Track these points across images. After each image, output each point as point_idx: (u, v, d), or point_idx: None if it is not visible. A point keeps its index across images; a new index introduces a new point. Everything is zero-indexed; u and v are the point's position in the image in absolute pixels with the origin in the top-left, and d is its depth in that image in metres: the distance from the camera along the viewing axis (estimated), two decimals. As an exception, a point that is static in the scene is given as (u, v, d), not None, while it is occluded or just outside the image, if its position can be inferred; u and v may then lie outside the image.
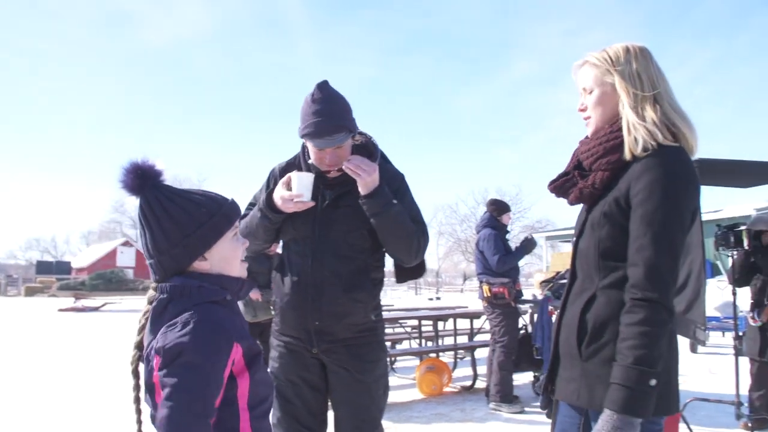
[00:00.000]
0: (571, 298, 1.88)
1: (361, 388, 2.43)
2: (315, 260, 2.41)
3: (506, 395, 5.79)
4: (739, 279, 5.19)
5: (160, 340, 1.43)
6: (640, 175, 1.69)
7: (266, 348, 3.35)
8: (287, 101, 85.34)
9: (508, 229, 6.41)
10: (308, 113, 2.34)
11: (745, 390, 5.10)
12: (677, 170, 1.68)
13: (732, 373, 4.94)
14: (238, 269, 1.64)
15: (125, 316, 20.92)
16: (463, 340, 8.55)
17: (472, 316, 7.91)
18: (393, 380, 7.19)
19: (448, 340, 8.78)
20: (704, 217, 4.78)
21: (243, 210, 2.56)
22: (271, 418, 1.94)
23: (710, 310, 8.94)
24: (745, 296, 5.40)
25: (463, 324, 8.75)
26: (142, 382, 1.53)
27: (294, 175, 2.34)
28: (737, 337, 5.02)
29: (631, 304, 1.65)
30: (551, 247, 34.63)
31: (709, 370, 8.07)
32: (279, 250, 2.81)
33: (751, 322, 5.15)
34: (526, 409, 5.72)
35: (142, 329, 1.58)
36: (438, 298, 34.87)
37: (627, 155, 1.75)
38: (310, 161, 2.48)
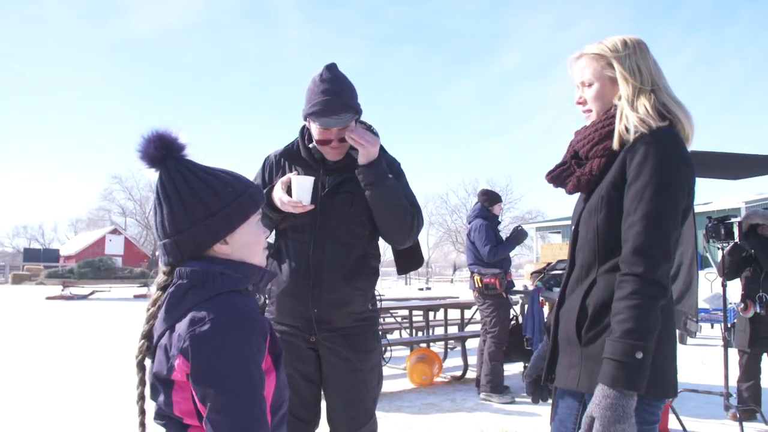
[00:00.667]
0: (571, 286, 1.87)
1: (357, 378, 2.42)
2: (316, 247, 2.39)
3: (497, 385, 5.80)
4: (729, 272, 5.23)
5: (187, 340, 1.29)
6: (632, 155, 1.71)
7: None
8: (275, 90, 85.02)
9: (500, 219, 6.41)
10: (316, 92, 2.34)
11: (734, 381, 5.14)
12: (668, 149, 1.69)
13: (721, 365, 4.97)
14: (259, 257, 1.53)
15: (114, 304, 20.85)
16: (453, 330, 8.57)
17: (463, 306, 7.92)
18: (384, 370, 7.16)
19: (439, 331, 8.80)
20: (695, 210, 4.80)
21: None
22: None
23: (699, 302, 8.99)
24: (734, 288, 5.44)
25: (454, 314, 8.77)
26: (147, 376, 1.42)
27: (294, 179, 2.32)
28: (727, 329, 5.05)
29: (619, 279, 1.67)
30: (541, 238, 34.78)
31: (701, 361, 8.12)
32: (271, 239, 2.78)
33: (740, 313, 5.18)
34: (517, 399, 5.74)
35: (152, 317, 1.43)
36: (428, 289, 34.94)
37: (615, 144, 1.77)
38: (311, 145, 2.48)
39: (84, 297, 23.86)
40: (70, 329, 12.44)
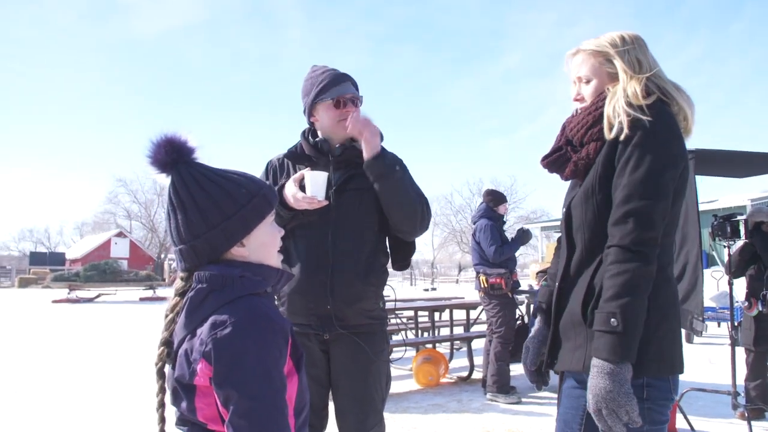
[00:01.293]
0: (574, 270, 1.85)
1: (368, 379, 2.41)
2: (328, 243, 2.39)
3: (503, 386, 5.79)
4: (736, 270, 5.21)
5: (209, 344, 1.28)
6: (622, 132, 1.72)
7: None
8: (277, 90, 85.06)
9: (505, 219, 6.40)
10: (316, 75, 2.47)
11: (741, 380, 5.11)
12: (655, 124, 1.70)
13: (728, 363, 4.95)
14: (275, 258, 1.52)
15: (120, 307, 20.89)
16: (459, 330, 8.56)
17: (469, 306, 7.90)
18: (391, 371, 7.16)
19: (445, 331, 8.78)
20: (700, 208, 4.78)
21: None
22: None
23: (706, 301, 8.95)
24: (741, 286, 5.42)
25: (460, 315, 8.76)
26: (167, 384, 1.41)
27: (307, 175, 2.30)
28: (734, 327, 5.03)
29: (604, 253, 1.70)
30: (546, 237, 34.68)
31: (708, 360, 8.09)
32: None
33: (746, 311, 5.17)
34: (523, 399, 5.73)
35: (171, 323, 1.41)
36: (434, 289, 34.95)
37: (605, 127, 1.78)
38: (317, 139, 2.50)
39: (90, 300, 23.92)
40: (77, 332, 12.46)
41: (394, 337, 8.84)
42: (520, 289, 6.35)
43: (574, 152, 1.91)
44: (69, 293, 23.87)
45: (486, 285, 5.96)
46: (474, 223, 6.32)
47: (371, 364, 2.42)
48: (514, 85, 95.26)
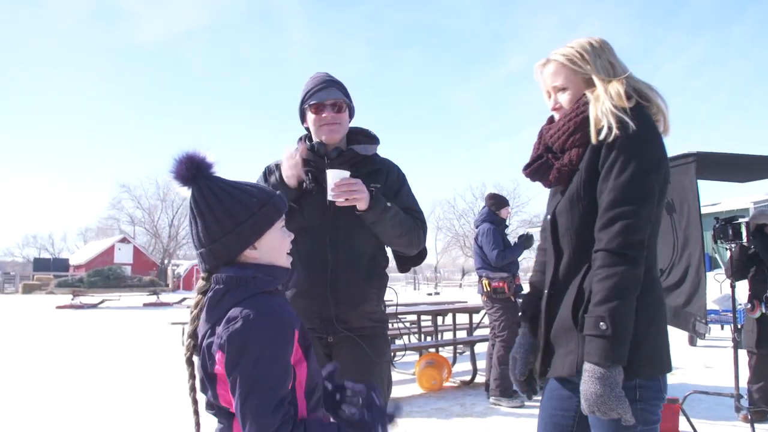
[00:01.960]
0: (563, 276, 1.87)
1: (368, 383, 2.42)
2: (330, 246, 2.43)
3: (506, 389, 5.79)
4: (736, 272, 5.20)
5: (224, 336, 1.44)
6: (611, 134, 1.73)
7: None
8: (281, 93, 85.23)
9: (507, 223, 6.41)
10: (306, 83, 2.59)
11: (744, 382, 5.11)
12: (638, 127, 1.71)
13: (731, 366, 4.95)
14: (285, 259, 1.68)
15: (123, 312, 20.93)
16: (462, 334, 8.56)
17: (471, 310, 7.91)
18: (392, 375, 7.16)
19: (448, 335, 8.79)
20: (702, 211, 4.78)
21: None
22: None
23: (708, 304, 8.93)
24: (744, 289, 5.42)
25: (463, 319, 8.76)
26: (197, 371, 1.58)
27: (329, 173, 2.34)
28: (736, 330, 5.03)
29: (592, 258, 1.73)
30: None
31: (703, 364, 8.08)
32: None
33: (748, 313, 5.17)
34: (526, 403, 5.73)
35: (195, 319, 1.60)
36: (437, 293, 34.95)
37: (592, 132, 1.79)
38: (315, 142, 2.55)
39: (94, 306, 23.97)
40: (81, 338, 12.50)
41: (397, 341, 8.86)
42: (522, 292, 6.35)
43: (556, 159, 1.93)
44: (73, 299, 23.95)
45: (489, 289, 5.98)
46: (476, 227, 6.33)
47: (374, 366, 2.44)
48: (516, 89, 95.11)
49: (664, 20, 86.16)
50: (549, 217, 1.94)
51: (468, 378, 6.92)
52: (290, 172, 2.42)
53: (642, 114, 1.77)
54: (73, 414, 5.71)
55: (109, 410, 5.85)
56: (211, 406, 1.56)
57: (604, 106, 1.76)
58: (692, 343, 10.06)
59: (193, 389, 1.60)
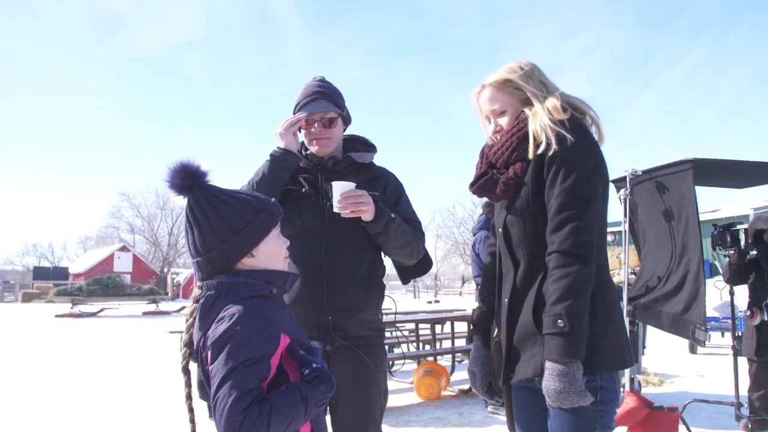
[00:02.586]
0: (521, 284, 1.94)
1: (367, 392, 2.41)
2: (327, 252, 2.41)
3: (504, 398, 5.73)
4: (732, 277, 5.17)
5: (210, 335, 1.48)
6: (550, 148, 1.84)
7: None
8: (279, 104, 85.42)
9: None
10: (300, 92, 2.55)
11: (744, 391, 5.08)
12: (575, 138, 1.82)
13: (732, 374, 4.91)
14: (281, 265, 1.70)
15: (123, 321, 20.88)
16: (461, 343, 8.51)
17: (470, 319, 7.86)
18: (391, 384, 7.14)
19: (446, 344, 8.75)
20: (702, 218, 4.77)
21: None
22: None
23: (709, 311, 8.90)
24: (743, 296, 5.39)
25: (461, 327, 8.71)
26: (193, 379, 1.61)
27: (334, 185, 2.33)
28: (736, 338, 5.00)
29: (546, 260, 1.81)
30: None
31: (703, 372, 8.04)
32: None
33: (747, 321, 5.13)
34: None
35: (190, 327, 1.61)
36: (437, 301, 34.88)
37: (530, 146, 1.89)
38: (307, 152, 2.56)
39: (93, 314, 23.89)
40: (79, 347, 12.44)
41: (395, 350, 8.82)
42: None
43: (501, 174, 2.01)
44: (72, 308, 23.88)
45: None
46: (474, 235, 6.31)
47: (372, 376, 2.42)
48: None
49: (662, 28, 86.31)
50: (500, 230, 2.03)
51: (466, 387, 6.86)
52: (283, 130, 2.46)
53: (578, 124, 1.89)
54: (72, 422, 5.67)
55: (107, 418, 5.81)
56: (211, 409, 1.57)
57: (542, 121, 1.87)
58: (692, 350, 10.02)
59: (189, 397, 1.62)
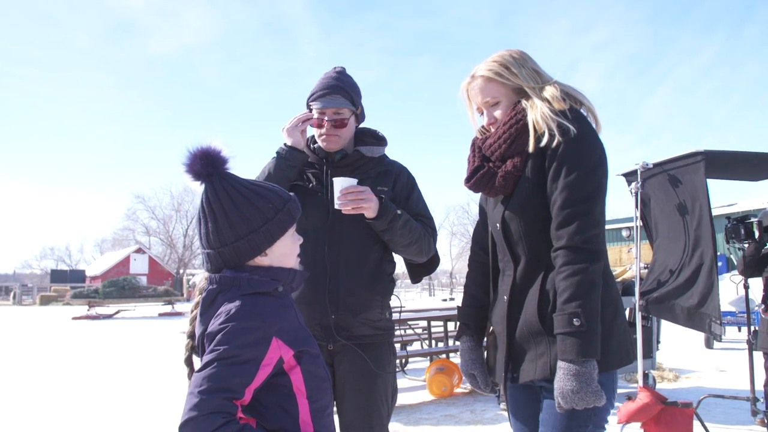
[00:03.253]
0: (522, 281, 1.87)
1: (372, 393, 2.35)
2: (331, 250, 2.36)
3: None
4: (747, 269, 5.09)
5: (209, 330, 1.44)
6: (553, 139, 1.76)
7: None
8: (293, 105, 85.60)
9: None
10: (316, 84, 2.49)
11: (760, 385, 4.99)
12: (578, 128, 1.75)
13: (747, 369, 4.84)
14: (293, 264, 1.64)
15: (139, 322, 21.01)
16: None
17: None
18: (403, 382, 7.15)
19: (459, 341, 8.70)
20: (718, 212, 4.70)
21: None
22: None
23: (725, 305, 8.80)
24: (758, 289, 5.30)
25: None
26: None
27: (335, 181, 2.28)
28: (753, 332, 4.92)
29: (552, 256, 1.75)
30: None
31: (719, 367, 7.94)
32: None
33: (762, 315, 5.05)
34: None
35: (193, 320, 1.57)
36: (452, 299, 34.78)
37: (531, 138, 1.81)
38: (315, 145, 2.50)
39: (109, 316, 24.07)
40: (96, 348, 12.54)
41: (408, 348, 8.80)
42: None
43: (497, 168, 1.93)
44: (89, 310, 24.09)
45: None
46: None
47: (377, 377, 2.36)
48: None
49: (675, 23, 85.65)
50: (498, 225, 1.94)
51: (479, 384, 6.82)
52: (291, 127, 2.42)
53: (579, 115, 1.82)
54: (87, 422, 5.70)
55: (122, 418, 5.84)
56: None
57: (542, 112, 1.79)
58: (708, 345, 9.91)
59: None
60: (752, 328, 5.17)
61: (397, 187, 2.49)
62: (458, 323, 2.20)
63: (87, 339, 14.79)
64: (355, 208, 2.25)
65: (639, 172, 4.99)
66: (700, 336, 10.14)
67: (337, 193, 2.25)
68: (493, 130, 1.96)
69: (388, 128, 2.52)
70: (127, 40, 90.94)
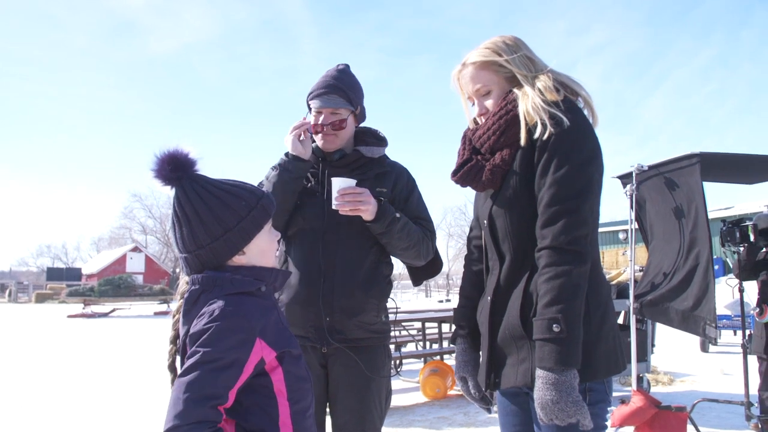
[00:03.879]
0: (506, 281, 1.77)
1: (365, 396, 2.32)
2: (326, 251, 2.32)
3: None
4: (742, 272, 5.06)
5: (191, 331, 1.42)
6: (545, 131, 1.66)
7: None
8: (293, 104, 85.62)
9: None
10: (316, 82, 2.43)
11: (755, 390, 4.97)
12: (570, 120, 1.65)
13: (742, 373, 4.82)
14: (272, 261, 1.63)
15: (134, 321, 20.97)
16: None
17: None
18: (397, 383, 7.10)
19: (454, 342, 8.67)
20: (715, 215, 4.67)
21: None
22: None
23: (721, 309, 8.78)
24: (753, 293, 5.28)
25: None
26: None
27: (334, 181, 2.23)
28: (745, 336, 4.90)
29: (536, 256, 1.65)
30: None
31: (716, 371, 7.91)
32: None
33: (757, 318, 5.02)
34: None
35: (176, 324, 1.56)
36: (448, 300, 34.70)
37: (522, 130, 1.71)
38: (314, 144, 2.45)
39: (105, 315, 24.02)
40: (91, 347, 12.49)
41: (402, 349, 8.76)
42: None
43: (486, 160, 1.83)
44: (84, 308, 24.02)
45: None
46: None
47: (371, 380, 2.33)
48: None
49: (673, 25, 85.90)
50: (486, 222, 1.85)
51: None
52: (290, 136, 2.35)
53: (573, 107, 1.71)
54: (81, 421, 5.67)
55: (116, 417, 5.80)
56: None
57: (534, 102, 1.69)
58: (704, 349, 9.89)
59: None
60: (747, 332, 5.14)
61: (397, 189, 2.46)
62: (453, 325, 2.11)
63: (81, 337, 14.75)
64: (353, 210, 2.21)
65: (634, 174, 4.97)
66: (695, 339, 10.11)
67: (335, 194, 2.20)
68: (484, 120, 1.86)
69: (386, 128, 2.48)
70: (126, 39, 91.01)
